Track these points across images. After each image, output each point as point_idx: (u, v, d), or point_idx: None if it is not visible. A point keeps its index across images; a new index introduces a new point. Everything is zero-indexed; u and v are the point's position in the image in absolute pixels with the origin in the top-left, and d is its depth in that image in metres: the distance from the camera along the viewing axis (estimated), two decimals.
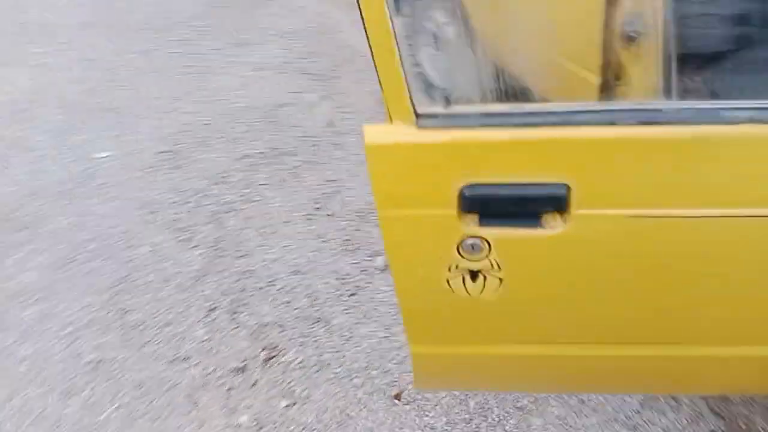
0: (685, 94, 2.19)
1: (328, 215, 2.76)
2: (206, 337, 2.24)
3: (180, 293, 2.44)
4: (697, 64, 2.14)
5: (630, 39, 2.10)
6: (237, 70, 4.01)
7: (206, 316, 2.32)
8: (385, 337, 2.18)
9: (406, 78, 1.02)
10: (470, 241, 1.11)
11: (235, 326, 2.28)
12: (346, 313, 2.29)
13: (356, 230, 2.67)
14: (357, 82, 3.73)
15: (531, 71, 2.40)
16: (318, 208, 2.80)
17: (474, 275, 1.16)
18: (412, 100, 1.04)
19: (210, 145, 3.30)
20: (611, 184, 1.04)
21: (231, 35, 4.47)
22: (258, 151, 3.22)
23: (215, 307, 2.36)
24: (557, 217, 1.07)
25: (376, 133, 1.06)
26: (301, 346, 2.18)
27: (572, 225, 1.06)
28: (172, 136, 3.37)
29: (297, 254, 2.57)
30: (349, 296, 2.36)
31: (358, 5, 0.98)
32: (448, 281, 1.17)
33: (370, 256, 2.53)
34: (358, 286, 2.40)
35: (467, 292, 1.17)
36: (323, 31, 4.35)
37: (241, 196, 2.92)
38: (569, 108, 1.05)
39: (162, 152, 3.26)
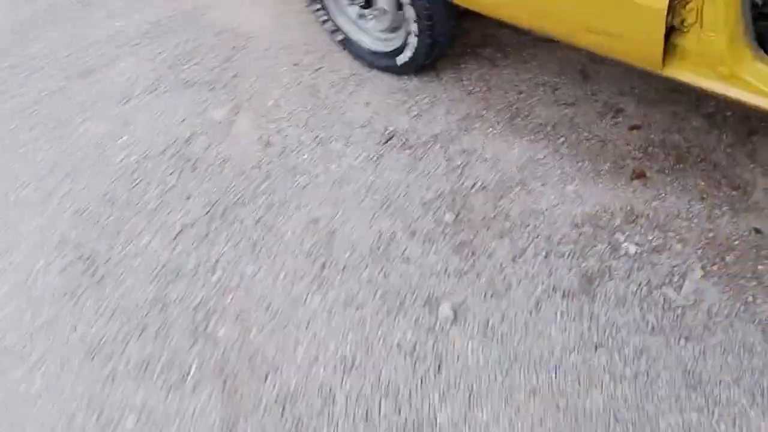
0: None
1: (341, 270, 2.13)
2: None
3: None
4: None
5: None
6: (101, 110, 3.06)
7: None
8: (511, 418, 1.68)
9: None
10: None
11: None
12: (447, 402, 1.75)
13: (385, 276, 2.07)
14: (264, 76, 2.95)
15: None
16: (322, 265, 2.16)
17: None
18: None
19: (127, 228, 2.47)
20: None
21: (66, 64, 3.43)
22: (197, 215, 2.45)
23: None
24: None
25: None
26: None
27: None
28: (70, 233, 2.49)
29: (335, 342, 1.95)
30: (435, 376, 1.81)
31: None
32: None
33: (425, 307, 1.97)
34: (436, 356, 1.85)
35: None
36: (185, 21, 3.42)
37: (212, 287, 2.20)
38: None
39: (71, 262, 2.40)
